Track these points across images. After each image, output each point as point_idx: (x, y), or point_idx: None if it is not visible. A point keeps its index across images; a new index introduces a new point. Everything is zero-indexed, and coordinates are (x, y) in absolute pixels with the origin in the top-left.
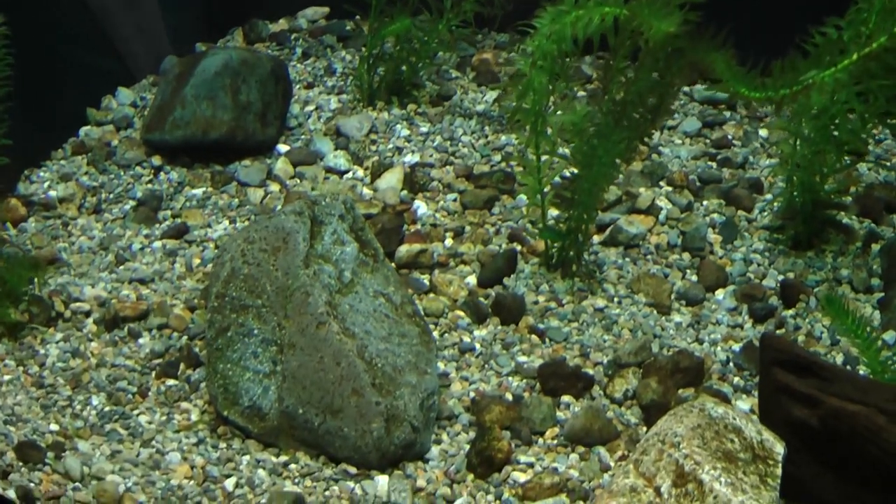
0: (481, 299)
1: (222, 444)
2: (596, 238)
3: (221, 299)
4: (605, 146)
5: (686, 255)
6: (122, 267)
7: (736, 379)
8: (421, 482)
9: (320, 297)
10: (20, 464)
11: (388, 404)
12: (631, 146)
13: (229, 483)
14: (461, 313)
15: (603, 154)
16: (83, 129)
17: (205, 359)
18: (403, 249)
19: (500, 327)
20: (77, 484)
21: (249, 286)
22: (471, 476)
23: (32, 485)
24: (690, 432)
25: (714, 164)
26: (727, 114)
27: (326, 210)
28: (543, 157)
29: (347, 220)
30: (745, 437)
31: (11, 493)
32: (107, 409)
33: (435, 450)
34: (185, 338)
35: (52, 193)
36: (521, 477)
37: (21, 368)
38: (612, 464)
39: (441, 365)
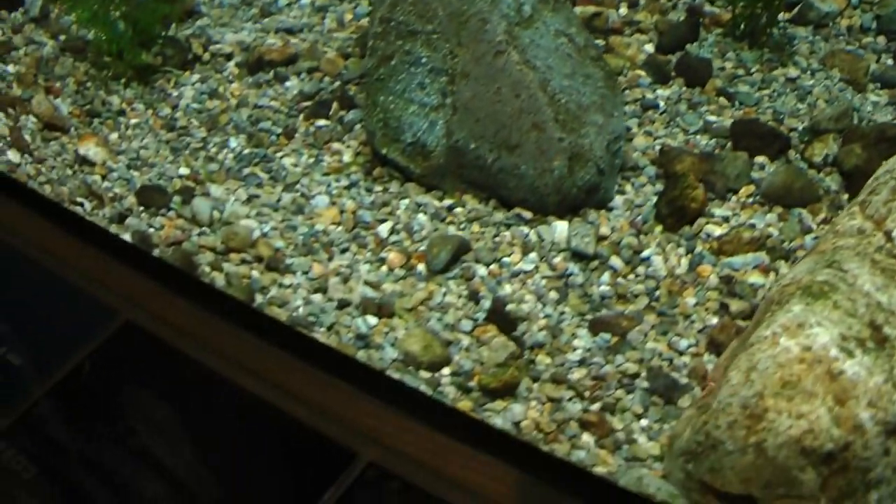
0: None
1: (378, 188)
2: (783, 15)
3: (386, 24)
4: None
5: (881, 39)
6: (267, 19)
7: None
8: (604, 230)
9: (499, 25)
10: (140, 209)
11: (573, 142)
12: None
13: (383, 228)
14: (642, 72)
15: None
16: None
17: (361, 97)
18: (577, 11)
19: (684, 88)
20: (204, 228)
21: (419, 10)
22: (659, 227)
23: (152, 230)
24: None
25: None
26: None
27: None
28: None
29: None
30: None
31: (127, 237)
32: (246, 151)
33: (619, 199)
34: (337, 82)
35: None
36: (716, 230)
37: (150, 111)
38: (813, 226)
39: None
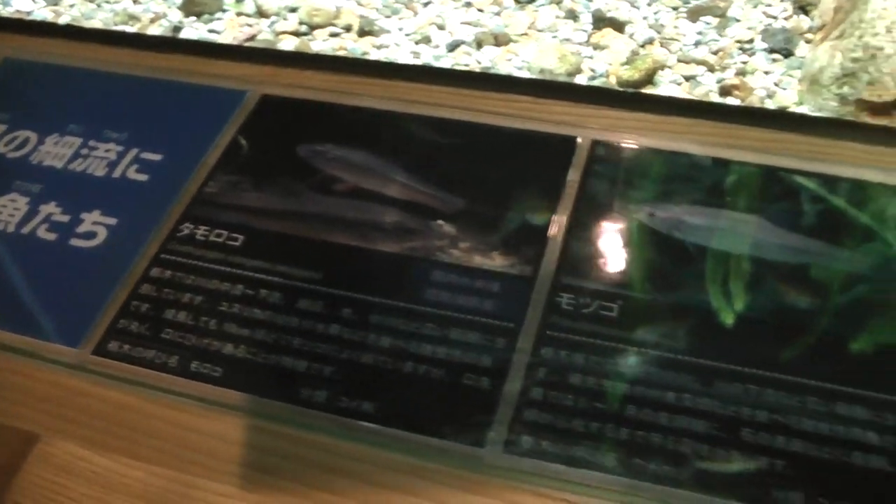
0: None
1: None
2: None
3: None
4: None
5: None
6: None
7: None
8: None
9: None
10: (192, 19)
11: None
12: None
13: None
14: None
15: None
16: None
17: None
18: None
19: None
20: (273, 17)
21: None
22: None
23: (215, 35)
24: None
25: None
26: None
27: None
28: None
29: None
30: None
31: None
32: None
33: None
34: None
35: None
36: None
37: None
38: None
39: None
